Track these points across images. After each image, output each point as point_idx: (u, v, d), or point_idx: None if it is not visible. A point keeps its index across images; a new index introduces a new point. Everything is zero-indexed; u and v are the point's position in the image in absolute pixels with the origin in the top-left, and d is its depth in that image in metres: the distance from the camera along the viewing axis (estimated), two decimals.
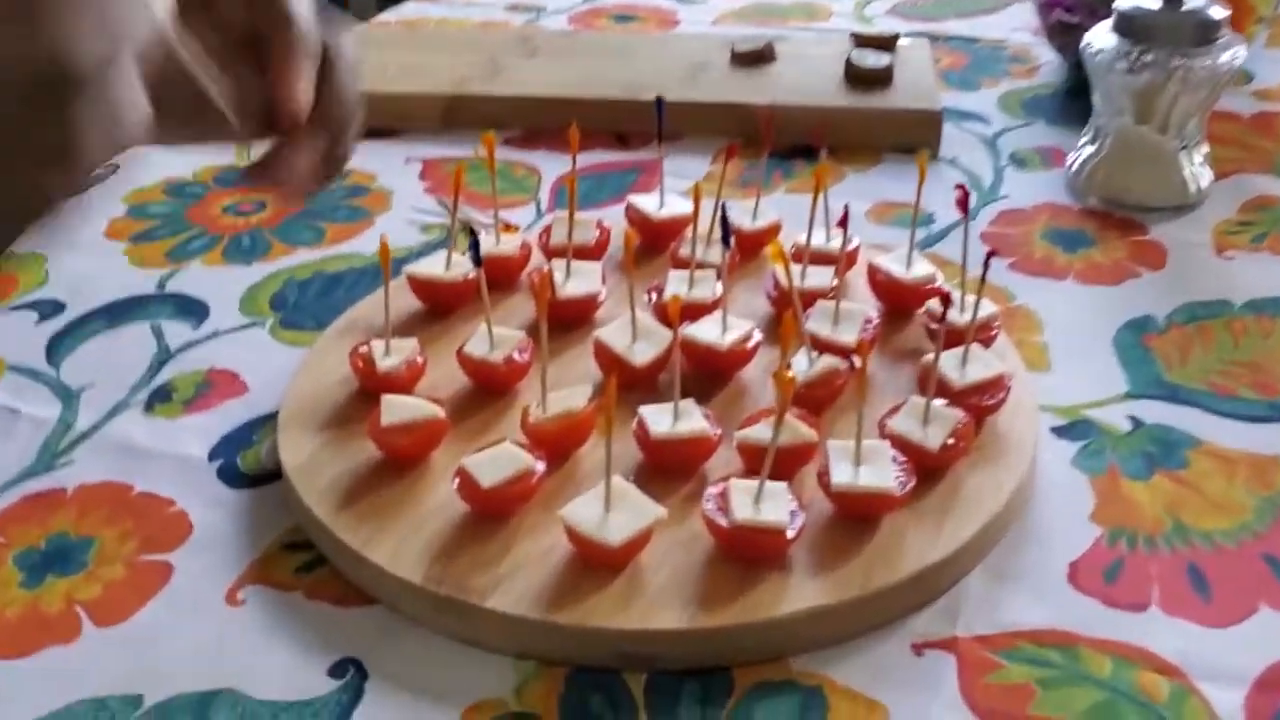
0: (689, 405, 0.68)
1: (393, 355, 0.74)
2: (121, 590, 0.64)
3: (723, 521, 0.60)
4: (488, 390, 0.74)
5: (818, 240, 0.83)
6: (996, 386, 0.70)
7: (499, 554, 0.62)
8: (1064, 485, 0.70)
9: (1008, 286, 0.88)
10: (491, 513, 0.64)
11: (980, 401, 0.69)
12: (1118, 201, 0.98)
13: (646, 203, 0.90)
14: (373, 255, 0.95)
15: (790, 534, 0.60)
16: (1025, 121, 1.15)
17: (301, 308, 0.88)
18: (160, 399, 0.79)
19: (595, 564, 0.61)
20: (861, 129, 1.09)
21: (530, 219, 1.00)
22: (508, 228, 0.89)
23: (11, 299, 0.90)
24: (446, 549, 0.63)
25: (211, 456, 0.74)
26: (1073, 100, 1.17)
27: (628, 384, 0.72)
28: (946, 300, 0.64)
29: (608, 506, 0.61)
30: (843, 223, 0.72)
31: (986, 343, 0.75)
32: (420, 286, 0.82)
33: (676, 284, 0.80)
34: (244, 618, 0.63)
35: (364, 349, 0.74)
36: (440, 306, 0.83)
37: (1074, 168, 1.01)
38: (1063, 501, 0.69)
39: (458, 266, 0.82)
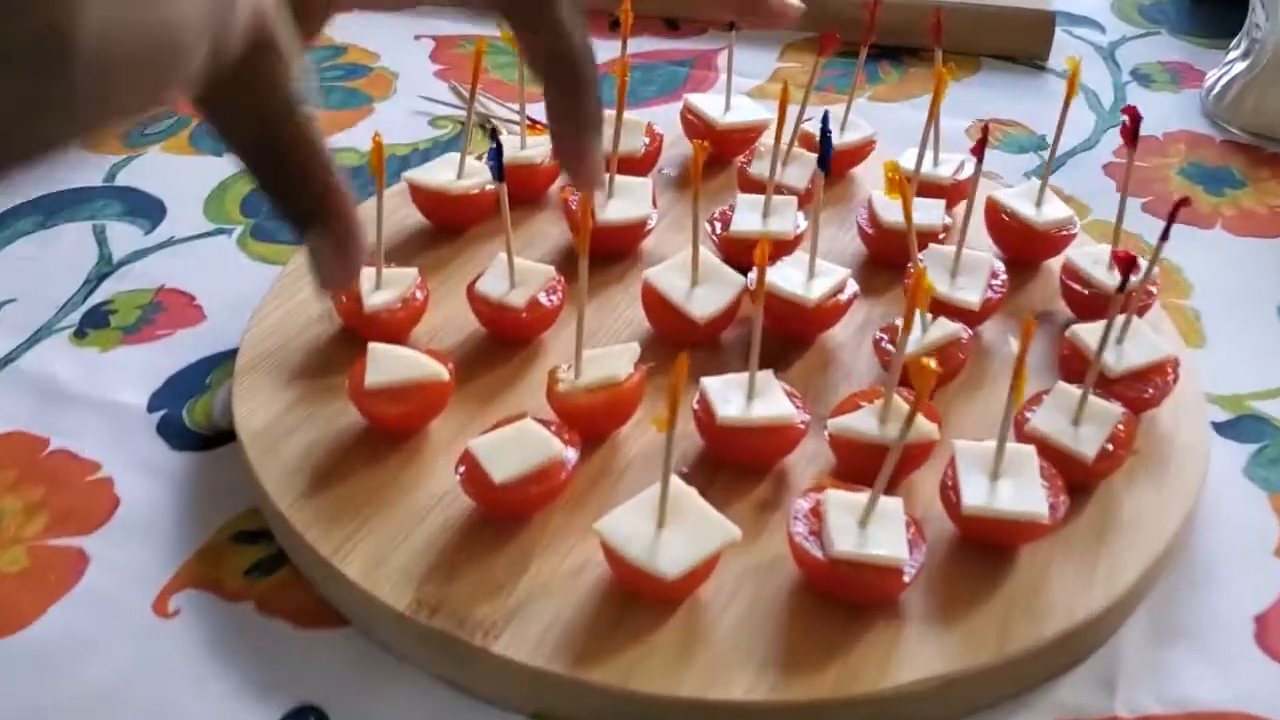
0: (767, 379, 0.52)
1: (385, 289, 0.58)
2: (16, 589, 0.49)
3: (817, 553, 0.45)
4: (505, 341, 0.58)
5: (922, 163, 0.66)
6: (1160, 374, 0.54)
7: (512, 574, 0.47)
8: (1237, 503, 0.54)
9: (1141, 233, 0.72)
10: (505, 516, 0.49)
11: (1140, 393, 0.54)
12: (1272, 134, 0.81)
13: (708, 104, 0.73)
14: (367, 153, 0.78)
15: (908, 575, 0.45)
16: (1146, 30, 0.97)
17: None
18: (94, 323, 0.63)
19: (642, 597, 0.46)
20: (957, 29, 0.90)
21: None
22: (535, 126, 0.72)
23: None
24: (443, 563, 0.47)
25: (152, 406, 0.58)
26: (1197, 6, 0.99)
27: (683, 340, 0.56)
28: (1129, 264, 0.48)
29: (661, 521, 0.45)
30: (979, 148, 0.55)
31: (1140, 312, 0.59)
32: (424, 198, 0.66)
33: (747, 212, 0.63)
34: (175, 635, 0.48)
35: None
36: (448, 225, 0.66)
37: (1216, 89, 0.84)
38: (1238, 526, 0.53)
39: (473, 174, 0.66)
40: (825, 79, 0.88)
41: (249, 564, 0.50)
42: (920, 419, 0.50)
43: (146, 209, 0.72)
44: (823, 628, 0.45)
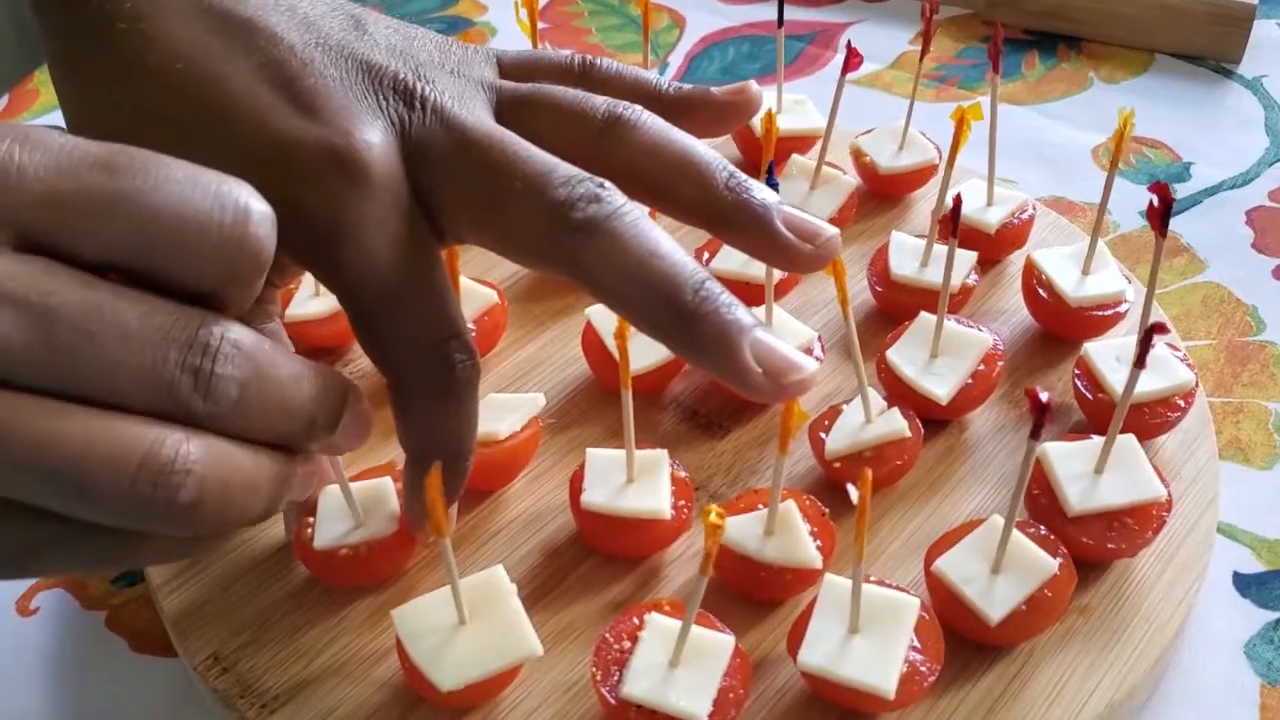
0: (656, 461, 0.47)
1: (324, 296, 0.55)
2: None
3: (608, 691, 0.40)
4: None
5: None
6: (1142, 517, 0.45)
7: (317, 648, 0.44)
8: (1213, 687, 0.44)
9: (1254, 305, 0.59)
10: (331, 584, 0.46)
11: (1103, 541, 0.44)
12: None
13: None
14: None
15: None
16: None
17: None
18: None
19: (426, 701, 0.42)
20: (1129, 17, 0.77)
21: None
22: None
23: (31, 113, 0.77)
24: (258, 621, 0.45)
25: None
26: None
27: (615, 391, 0.51)
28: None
29: (462, 618, 0.41)
30: (949, 220, 0.46)
31: (1162, 428, 0.49)
32: None
33: (733, 253, 0.56)
34: (24, 635, 0.48)
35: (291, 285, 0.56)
36: None
37: None
38: (1207, 717, 0.44)
39: None
40: (958, 68, 0.77)
41: (118, 573, 0.50)
42: (801, 538, 0.43)
43: None
44: None
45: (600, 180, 0.35)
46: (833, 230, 0.38)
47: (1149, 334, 0.40)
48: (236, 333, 0.29)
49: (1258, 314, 0.59)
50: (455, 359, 0.37)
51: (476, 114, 0.37)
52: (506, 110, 0.39)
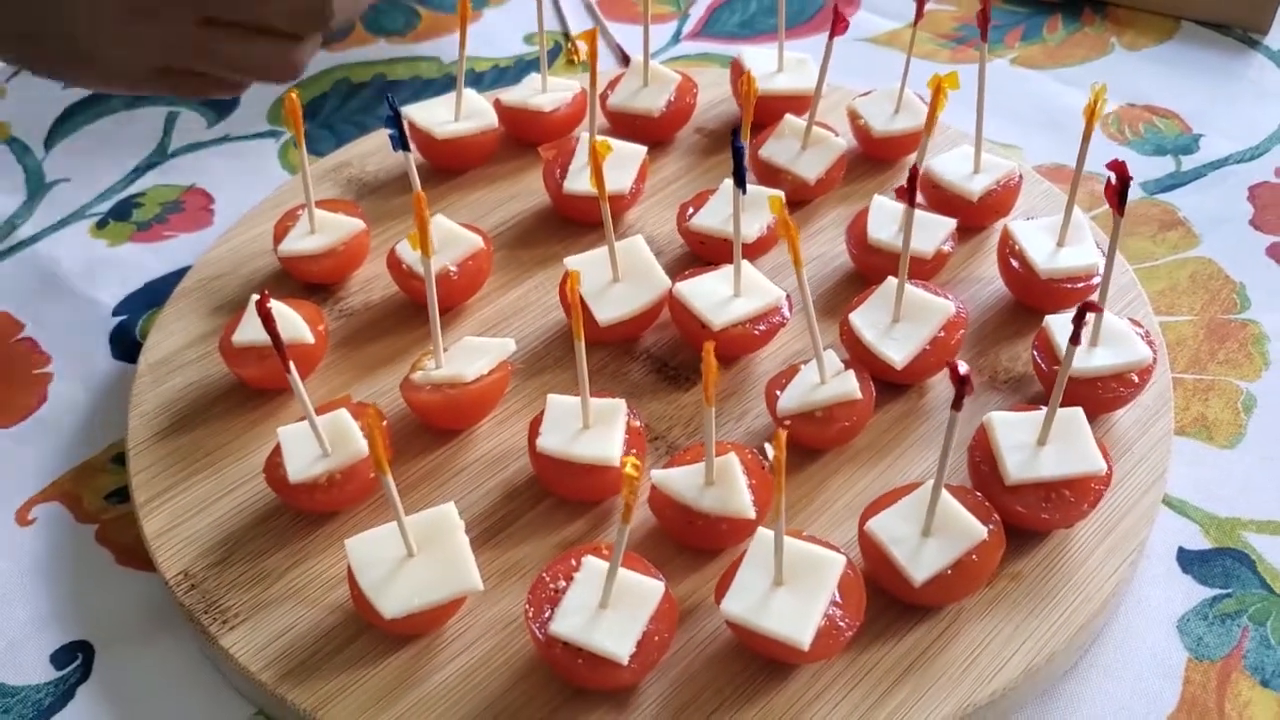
0: (614, 409, 0.48)
1: (320, 233, 0.57)
2: None
3: (537, 626, 0.42)
4: (420, 307, 0.57)
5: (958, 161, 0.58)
6: (1081, 489, 0.45)
7: (280, 571, 0.47)
8: (1142, 659, 0.45)
9: (1243, 283, 0.59)
10: (301, 511, 0.48)
11: (1038, 510, 0.45)
12: None
13: (758, 63, 0.66)
14: (452, 63, 0.76)
15: (629, 671, 0.41)
16: None
17: (332, 124, 0.73)
18: (119, 215, 0.67)
19: (372, 627, 0.44)
20: None
21: (663, 41, 0.78)
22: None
23: None
24: (228, 541, 0.48)
25: (117, 310, 0.62)
26: None
27: (589, 338, 0.53)
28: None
29: (410, 551, 0.44)
30: (906, 190, 0.47)
31: (1115, 403, 0.49)
32: (418, 137, 0.64)
33: (718, 205, 0.57)
34: (20, 545, 0.51)
35: (290, 220, 0.58)
36: (442, 167, 0.64)
37: None
38: (1123, 685, 0.45)
39: (475, 115, 0.63)
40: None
41: (112, 488, 0.53)
42: (738, 489, 0.45)
43: (219, 100, 0.75)
44: (545, 700, 0.42)
45: None
46: None
47: (1081, 312, 0.41)
48: None
49: (1244, 292, 0.59)
50: None
51: None
52: None
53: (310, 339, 0.52)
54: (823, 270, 0.58)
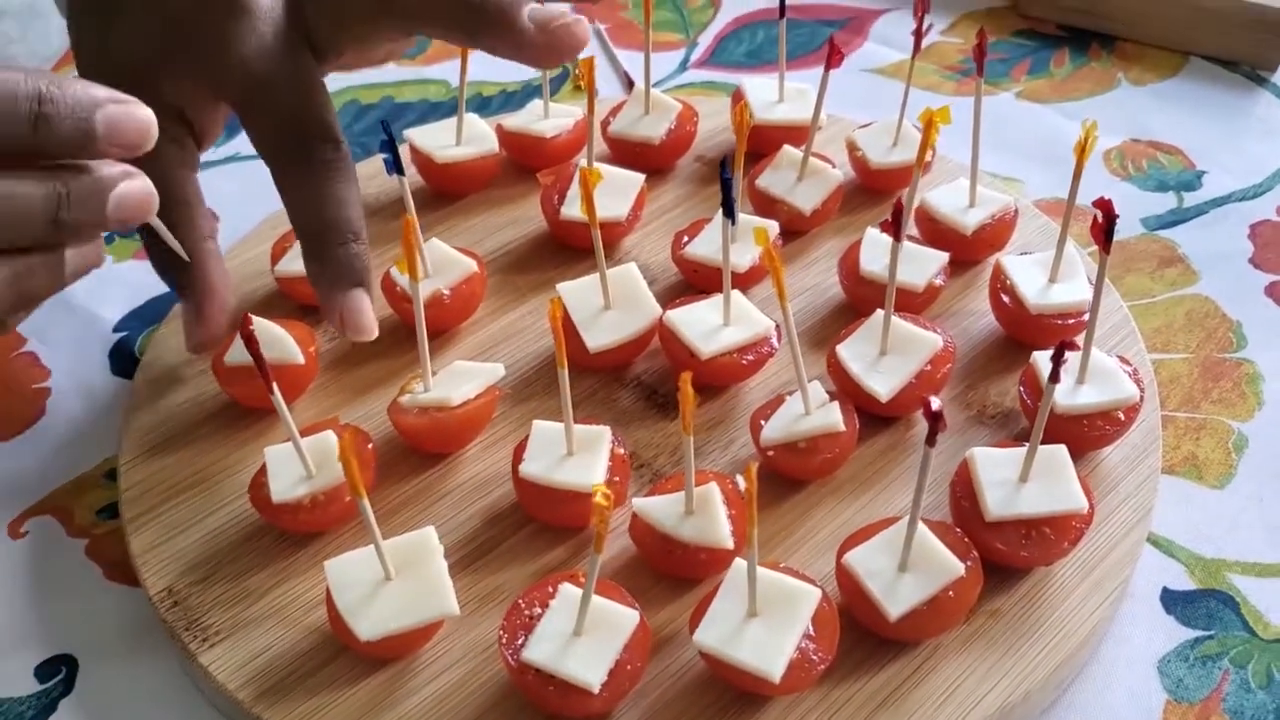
0: (599, 436, 0.49)
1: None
2: None
3: (509, 653, 0.42)
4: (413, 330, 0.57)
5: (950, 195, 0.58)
6: (1063, 528, 0.45)
7: (262, 590, 0.47)
8: (1120, 702, 0.45)
9: (1240, 321, 0.59)
10: (286, 531, 0.49)
11: (1017, 548, 0.45)
12: None
13: (759, 92, 0.66)
14: (454, 89, 0.77)
15: (599, 699, 0.41)
16: None
17: None
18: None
19: (349, 650, 0.45)
20: (1166, 18, 0.76)
21: (669, 69, 0.78)
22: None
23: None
24: (211, 559, 0.48)
25: (119, 326, 0.62)
26: None
27: (579, 365, 0.53)
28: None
29: (387, 574, 0.44)
30: (893, 223, 0.47)
31: (1100, 441, 0.49)
32: (420, 160, 0.64)
33: (711, 233, 0.58)
34: (13, 560, 0.52)
35: (288, 241, 0.59)
36: (442, 191, 0.65)
37: None
38: None
39: (477, 140, 0.64)
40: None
41: (104, 504, 0.54)
42: (718, 519, 0.45)
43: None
44: None
45: None
46: (571, 18, 0.46)
47: (1060, 350, 0.41)
48: None
49: (1241, 330, 0.58)
50: (316, 145, 0.47)
51: None
52: None
53: (300, 360, 0.53)
54: (815, 301, 0.58)
